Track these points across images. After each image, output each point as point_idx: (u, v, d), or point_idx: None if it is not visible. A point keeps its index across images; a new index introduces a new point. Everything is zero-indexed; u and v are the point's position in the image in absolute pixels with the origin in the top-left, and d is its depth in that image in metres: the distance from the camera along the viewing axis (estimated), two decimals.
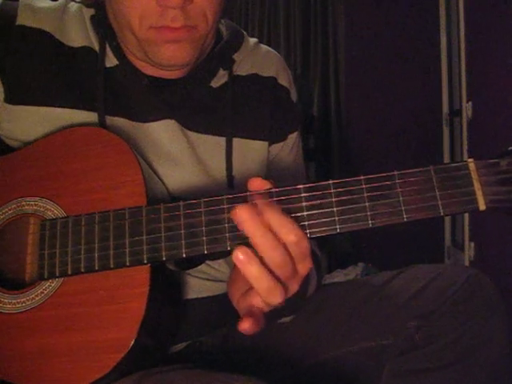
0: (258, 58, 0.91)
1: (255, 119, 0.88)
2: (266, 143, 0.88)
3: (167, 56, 0.74)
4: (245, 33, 0.92)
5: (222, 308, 0.80)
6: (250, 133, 0.87)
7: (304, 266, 0.58)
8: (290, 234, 0.55)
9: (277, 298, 0.56)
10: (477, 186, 0.57)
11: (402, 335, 0.78)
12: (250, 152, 0.87)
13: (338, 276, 2.82)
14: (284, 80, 0.93)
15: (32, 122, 0.77)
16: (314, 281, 0.82)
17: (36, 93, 0.78)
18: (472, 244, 2.67)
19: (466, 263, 2.71)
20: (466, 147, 2.71)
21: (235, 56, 0.87)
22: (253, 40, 0.93)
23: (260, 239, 0.54)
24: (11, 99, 0.78)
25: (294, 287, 0.59)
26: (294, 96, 0.94)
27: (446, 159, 3.32)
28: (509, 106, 2.10)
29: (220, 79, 0.86)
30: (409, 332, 0.78)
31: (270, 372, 0.82)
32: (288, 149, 0.92)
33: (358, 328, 0.83)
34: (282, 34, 3.48)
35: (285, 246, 0.56)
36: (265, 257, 0.55)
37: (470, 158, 0.58)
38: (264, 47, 0.94)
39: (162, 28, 0.72)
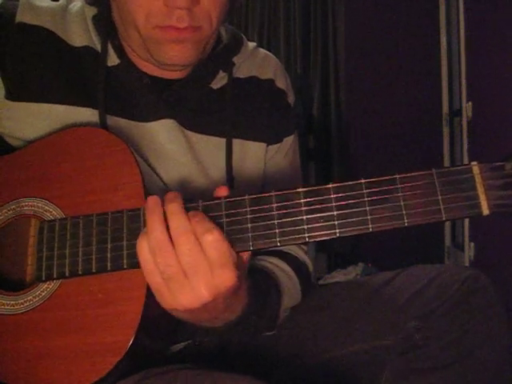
0: (257, 61, 0.92)
1: (254, 121, 0.88)
2: (265, 145, 0.89)
3: (170, 55, 0.74)
4: (244, 37, 0.93)
5: None
6: (249, 134, 0.87)
7: (221, 272, 0.57)
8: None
9: (163, 257, 0.57)
10: (480, 189, 0.55)
11: (402, 335, 0.78)
12: (249, 153, 0.87)
13: (338, 276, 2.82)
14: (281, 83, 0.93)
15: (33, 118, 0.77)
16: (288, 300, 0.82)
17: (37, 89, 0.78)
18: (472, 244, 2.67)
19: (466, 263, 2.71)
20: (466, 147, 2.70)
21: (235, 59, 0.88)
22: (252, 44, 0.94)
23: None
24: (12, 96, 0.78)
25: (200, 289, 0.57)
26: (291, 99, 0.94)
27: (446, 159, 3.31)
28: (509, 106, 2.10)
29: (220, 81, 0.86)
30: (409, 332, 0.78)
31: (270, 372, 0.82)
32: (284, 152, 0.92)
33: (358, 328, 0.83)
34: (282, 35, 3.47)
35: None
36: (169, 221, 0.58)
37: (470, 158, 0.57)
38: (262, 51, 0.95)
39: (167, 27, 0.72)
